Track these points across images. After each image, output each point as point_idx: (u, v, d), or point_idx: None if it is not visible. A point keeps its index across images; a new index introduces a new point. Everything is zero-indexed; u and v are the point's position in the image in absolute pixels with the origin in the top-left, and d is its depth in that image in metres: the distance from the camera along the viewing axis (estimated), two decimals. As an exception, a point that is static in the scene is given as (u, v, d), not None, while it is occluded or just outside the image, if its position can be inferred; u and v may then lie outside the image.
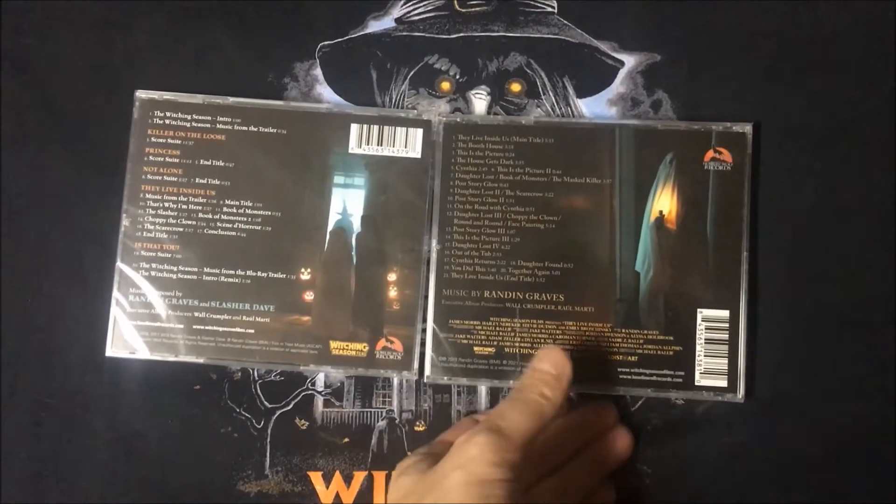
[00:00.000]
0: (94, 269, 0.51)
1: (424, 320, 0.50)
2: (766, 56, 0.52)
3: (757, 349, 0.50)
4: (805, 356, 0.50)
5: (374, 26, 0.53)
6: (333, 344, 0.50)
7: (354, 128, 0.51)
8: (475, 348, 0.49)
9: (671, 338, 0.49)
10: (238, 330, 0.50)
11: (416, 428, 0.50)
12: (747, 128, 0.50)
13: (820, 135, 0.51)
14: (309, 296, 0.50)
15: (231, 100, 0.51)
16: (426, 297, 0.50)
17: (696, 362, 0.49)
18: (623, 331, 0.49)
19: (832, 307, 0.50)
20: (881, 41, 0.52)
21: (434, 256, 0.50)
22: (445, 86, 0.53)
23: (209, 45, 0.52)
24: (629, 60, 0.52)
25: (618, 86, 0.52)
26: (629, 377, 0.49)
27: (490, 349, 0.49)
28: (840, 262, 0.51)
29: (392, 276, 0.50)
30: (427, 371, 0.50)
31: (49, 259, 0.51)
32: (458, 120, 0.51)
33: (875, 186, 0.51)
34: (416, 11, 0.53)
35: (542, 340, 0.49)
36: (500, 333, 0.49)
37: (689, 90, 0.52)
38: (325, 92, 0.52)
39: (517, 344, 0.49)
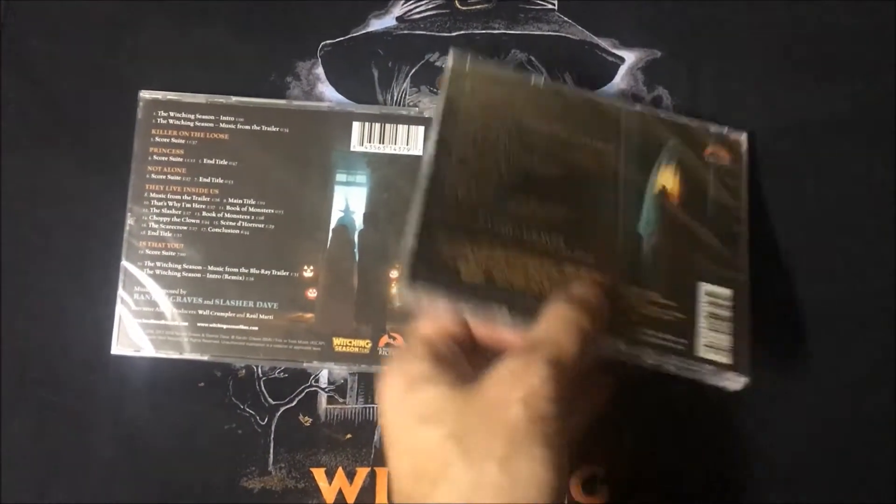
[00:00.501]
0: (99, 268, 0.51)
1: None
2: (766, 52, 0.52)
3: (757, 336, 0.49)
4: (806, 347, 0.50)
5: (376, 25, 0.53)
6: (336, 341, 0.50)
7: (356, 126, 0.52)
8: (462, 273, 0.44)
9: (673, 303, 0.47)
10: (242, 327, 0.50)
11: (419, 424, 0.50)
12: (742, 137, 0.50)
13: (821, 131, 0.51)
14: (312, 293, 0.51)
15: (234, 99, 0.52)
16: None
17: (698, 332, 0.46)
18: (623, 285, 0.46)
19: (833, 300, 0.50)
20: (882, 39, 0.52)
21: (429, 171, 0.45)
22: (446, 83, 0.53)
23: (212, 45, 0.53)
24: (629, 57, 0.52)
25: (618, 82, 0.52)
26: (629, 333, 0.45)
27: (479, 277, 0.45)
28: (842, 254, 0.51)
29: (394, 273, 0.51)
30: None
31: (54, 258, 0.51)
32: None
33: (875, 182, 0.51)
34: (417, 10, 0.53)
35: (538, 281, 0.45)
36: (492, 262, 0.45)
37: (689, 86, 0.52)
38: (327, 91, 0.53)
39: (509, 278, 0.45)
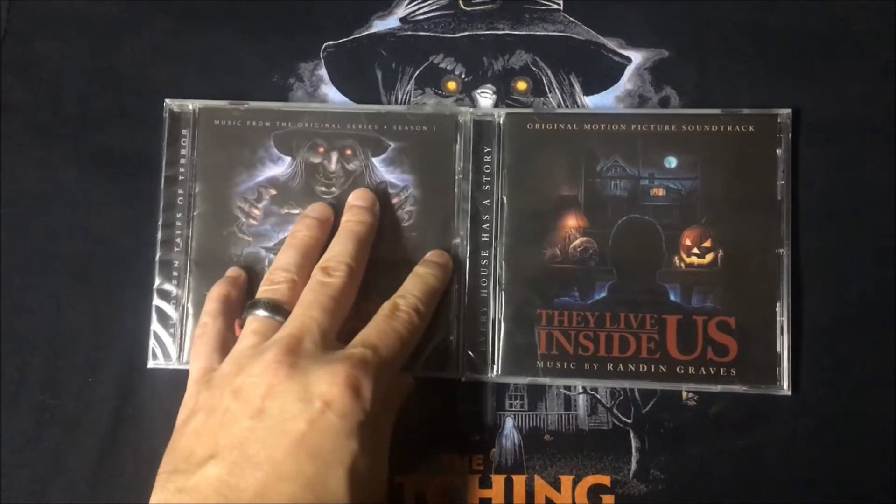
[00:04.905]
0: (132, 277, 0.51)
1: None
2: (775, 51, 0.51)
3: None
4: (839, 356, 0.49)
5: (379, 26, 0.53)
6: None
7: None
8: None
9: None
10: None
11: (420, 430, 0.49)
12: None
13: (830, 130, 0.50)
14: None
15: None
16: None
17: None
18: None
19: (868, 306, 0.49)
20: (892, 35, 0.51)
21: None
22: (451, 85, 0.52)
23: (214, 46, 0.53)
24: (636, 57, 0.52)
25: (625, 83, 0.52)
26: None
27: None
28: (853, 255, 0.50)
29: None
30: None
31: (86, 267, 0.51)
32: None
33: (887, 181, 0.50)
34: (420, 10, 0.53)
35: None
36: None
37: (697, 86, 0.51)
38: (331, 92, 0.52)
39: None
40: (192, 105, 0.51)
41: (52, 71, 0.53)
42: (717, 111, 0.50)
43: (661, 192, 0.50)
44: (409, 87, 0.52)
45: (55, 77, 0.53)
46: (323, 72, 0.52)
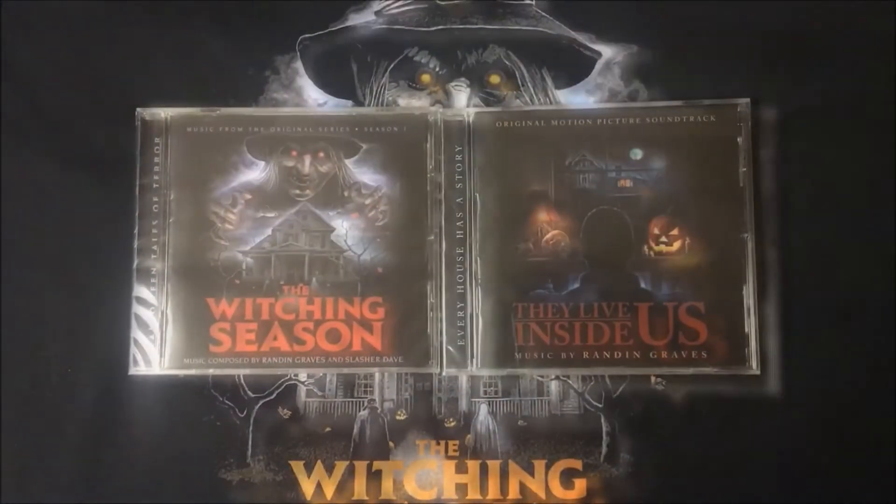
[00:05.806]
0: (111, 284, 0.51)
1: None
2: (741, 47, 0.52)
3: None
4: (816, 351, 0.50)
5: (355, 19, 0.53)
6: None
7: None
8: None
9: None
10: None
11: (397, 417, 0.51)
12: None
13: (796, 124, 0.51)
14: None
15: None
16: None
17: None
18: None
19: (856, 304, 0.51)
20: (857, 32, 0.52)
21: None
22: (425, 78, 0.53)
23: (191, 40, 0.53)
24: (606, 51, 0.53)
25: (595, 76, 0.53)
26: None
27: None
28: (837, 253, 0.51)
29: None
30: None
31: (67, 273, 0.52)
32: None
33: (861, 179, 0.51)
34: (395, 4, 0.53)
35: None
36: None
37: (665, 80, 0.52)
38: (306, 85, 0.53)
39: None
40: (163, 113, 0.51)
41: (29, 68, 0.53)
42: (678, 102, 0.51)
43: (629, 183, 0.51)
44: (383, 79, 0.53)
45: (33, 74, 0.53)
46: (298, 64, 0.53)
